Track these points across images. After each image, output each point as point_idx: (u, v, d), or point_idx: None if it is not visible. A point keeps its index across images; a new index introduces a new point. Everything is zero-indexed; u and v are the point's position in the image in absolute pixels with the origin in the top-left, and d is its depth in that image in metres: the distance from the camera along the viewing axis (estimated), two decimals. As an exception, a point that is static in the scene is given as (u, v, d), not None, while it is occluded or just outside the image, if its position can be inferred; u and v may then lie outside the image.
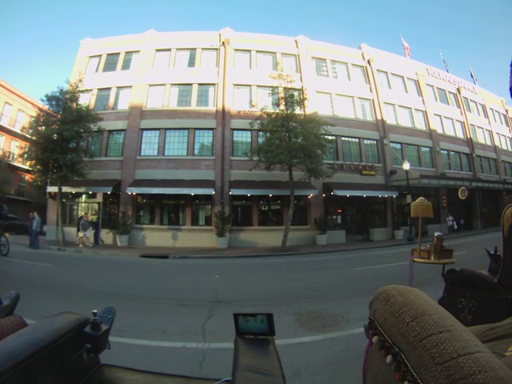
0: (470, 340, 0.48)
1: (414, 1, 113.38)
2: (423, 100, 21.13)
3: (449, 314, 0.55)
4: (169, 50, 17.77)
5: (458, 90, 23.67)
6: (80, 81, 14.47)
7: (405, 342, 0.54)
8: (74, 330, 0.91)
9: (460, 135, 22.84)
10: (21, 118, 23.56)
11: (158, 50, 17.84)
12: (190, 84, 17.02)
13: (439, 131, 21.25)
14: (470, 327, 0.78)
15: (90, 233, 14.06)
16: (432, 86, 22.27)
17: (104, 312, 1.04)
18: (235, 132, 16.44)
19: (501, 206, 20.53)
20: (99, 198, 15.08)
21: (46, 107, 14.29)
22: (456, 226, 19.19)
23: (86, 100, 16.04)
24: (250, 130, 15.24)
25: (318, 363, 2.56)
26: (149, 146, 16.28)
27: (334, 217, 17.30)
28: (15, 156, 21.25)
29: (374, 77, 19.40)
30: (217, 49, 17.56)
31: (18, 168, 22.86)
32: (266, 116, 13.43)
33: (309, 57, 18.47)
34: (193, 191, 14.75)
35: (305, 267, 8.76)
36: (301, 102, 14.11)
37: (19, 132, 18.42)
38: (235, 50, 17.70)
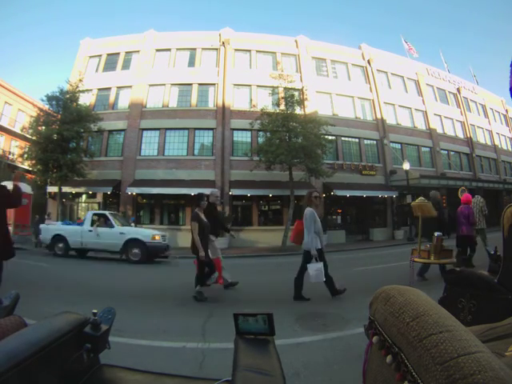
0: (470, 340, 0.48)
1: None
2: (423, 100, 21.13)
3: (449, 314, 0.55)
4: (169, 49, 17.78)
5: (458, 90, 23.68)
6: (80, 81, 14.49)
7: (405, 342, 0.54)
8: (74, 329, 0.91)
9: (460, 135, 22.84)
10: (21, 118, 23.52)
11: (157, 50, 17.85)
12: (190, 84, 17.03)
13: (439, 131, 21.26)
14: (469, 327, 0.78)
15: None
16: (432, 86, 22.28)
17: (104, 312, 1.04)
18: (235, 132, 16.44)
19: (501, 206, 20.52)
20: (99, 198, 15.09)
21: (46, 107, 14.30)
22: None
23: (86, 100, 16.06)
24: (250, 130, 15.24)
25: (318, 363, 2.55)
26: (149, 145, 16.29)
27: (334, 217, 17.31)
28: (15, 156, 21.23)
29: (374, 77, 19.40)
30: (217, 49, 17.56)
31: (18, 168, 22.83)
32: (266, 116, 13.43)
33: (309, 57, 18.47)
34: (193, 191, 14.72)
35: (305, 267, 8.74)
36: (301, 102, 14.11)
37: (19, 132, 18.41)
38: (235, 49, 17.71)
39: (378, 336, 0.65)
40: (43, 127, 13.65)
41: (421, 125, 20.68)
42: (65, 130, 12.92)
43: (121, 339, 2.86)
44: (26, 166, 18.95)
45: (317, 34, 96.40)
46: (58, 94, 13.97)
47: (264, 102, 14.79)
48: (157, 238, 9.56)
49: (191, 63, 17.56)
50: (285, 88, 13.80)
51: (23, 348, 0.74)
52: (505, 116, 28.28)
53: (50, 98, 13.90)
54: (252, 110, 14.78)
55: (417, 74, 21.56)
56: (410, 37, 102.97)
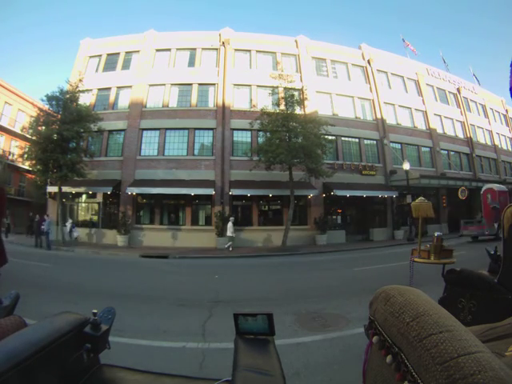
0: (470, 340, 0.48)
1: None
2: (423, 100, 21.13)
3: (449, 314, 0.55)
4: (169, 49, 17.77)
5: (458, 90, 23.67)
6: (80, 81, 14.48)
7: (405, 342, 0.54)
8: (74, 329, 0.91)
9: (460, 135, 22.84)
10: (21, 118, 23.54)
11: (157, 50, 17.84)
12: (190, 84, 17.02)
13: (439, 131, 21.25)
14: (469, 327, 0.78)
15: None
16: (432, 86, 22.27)
17: (104, 312, 1.04)
18: (235, 132, 16.43)
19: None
20: (99, 198, 15.07)
21: (46, 107, 14.29)
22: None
23: (86, 100, 16.06)
24: (250, 130, 15.24)
25: (318, 363, 2.55)
26: (149, 145, 16.28)
27: (334, 217, 17.30)
28: (15, 156, 21.24)
29: (374, 77, 19.40)
30: (217, 49, 17.55)
31: (18, 168, 22.85)
32: (266, 116, 13.43)
33: (309, 57, 18.47)
34: (193, 191, 14.74)
35: (305, 267, 8.76)
36: (301, 102, 14.12)
37: (19, 132, 18.41)
38: (235, 50, 17.70)
39: (378, 336, 0.65)
40: (43, 127, 13.64)
41: (421, 125, 20.68)
42: (65, 129, 12.91)
43: (121, 339, 2.86)
44: (26, 165, 18.98)
45: (317, 34, 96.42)
46: (57, 94, 13.96)
47: (264, 102, 14.79)
48: None
49: (191, 63, 17.55)
50: (285, 88, 13.79)
51: (23, 348, 0.74)
52: (505, 116, 28.27)
53: (49, 98, 13.89)
54: (252, 109, 14.76)
55: (417, 74, 21.55)
56: (410, 38, 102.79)
